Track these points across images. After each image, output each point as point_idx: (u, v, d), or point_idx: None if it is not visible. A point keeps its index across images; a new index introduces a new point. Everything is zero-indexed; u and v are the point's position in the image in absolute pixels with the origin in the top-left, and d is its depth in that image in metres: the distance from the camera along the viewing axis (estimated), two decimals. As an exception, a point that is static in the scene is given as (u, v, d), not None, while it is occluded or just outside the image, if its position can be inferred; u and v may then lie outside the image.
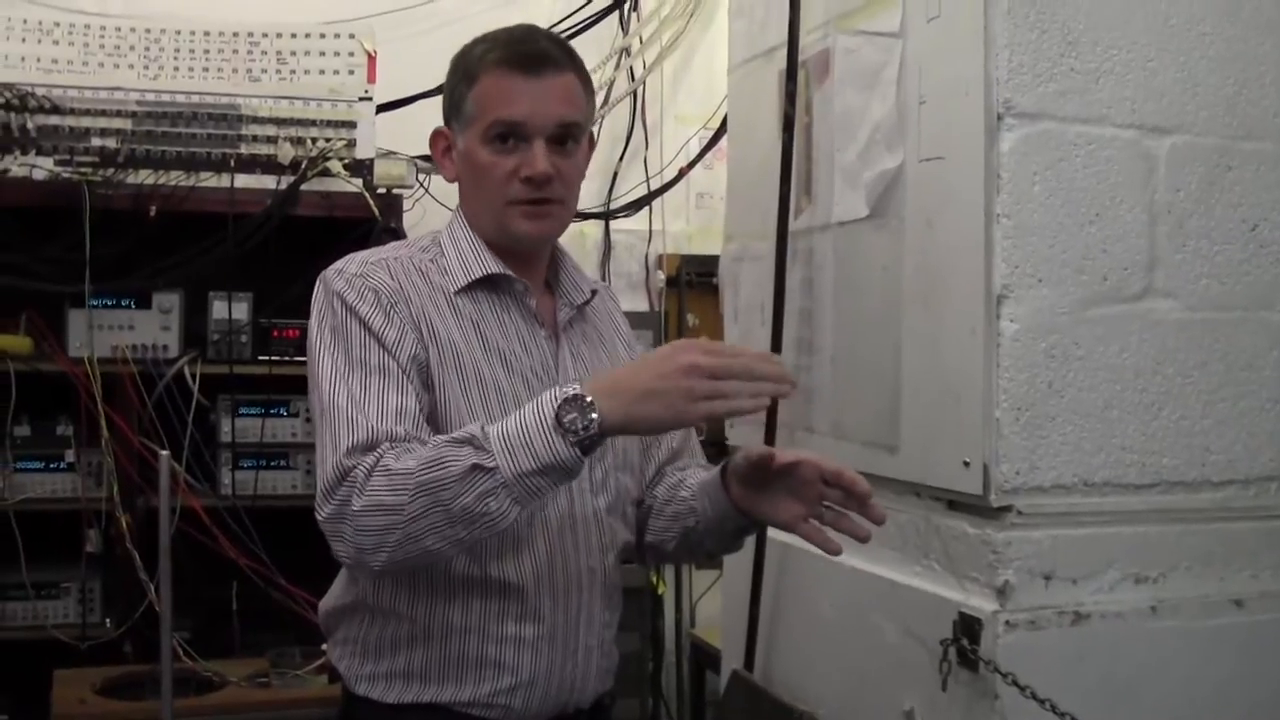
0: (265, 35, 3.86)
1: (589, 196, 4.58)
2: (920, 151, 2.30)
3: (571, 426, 1.69)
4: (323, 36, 3.89)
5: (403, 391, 1.86)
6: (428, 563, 1.85)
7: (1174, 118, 2.22)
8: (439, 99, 2.09)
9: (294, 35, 3.87)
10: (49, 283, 3.62)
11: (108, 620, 3.69)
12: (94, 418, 3.62)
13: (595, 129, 2.21)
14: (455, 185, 2.09)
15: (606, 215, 4.72)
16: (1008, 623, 2.08)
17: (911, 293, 2.31)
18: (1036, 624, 2.10)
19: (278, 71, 3.84)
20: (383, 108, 3.96)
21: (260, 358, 3.84)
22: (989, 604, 2.11)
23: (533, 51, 1.97)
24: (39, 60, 3.71)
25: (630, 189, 4.77)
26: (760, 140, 2.82)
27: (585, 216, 4.58)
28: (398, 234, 3.70)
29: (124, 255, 3.68)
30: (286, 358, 3.79)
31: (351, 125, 3.84)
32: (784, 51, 2.65)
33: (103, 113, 3.69)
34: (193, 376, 3.74)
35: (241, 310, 3.84)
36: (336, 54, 3.89)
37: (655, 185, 4.78)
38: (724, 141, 4.48)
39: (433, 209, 3.94)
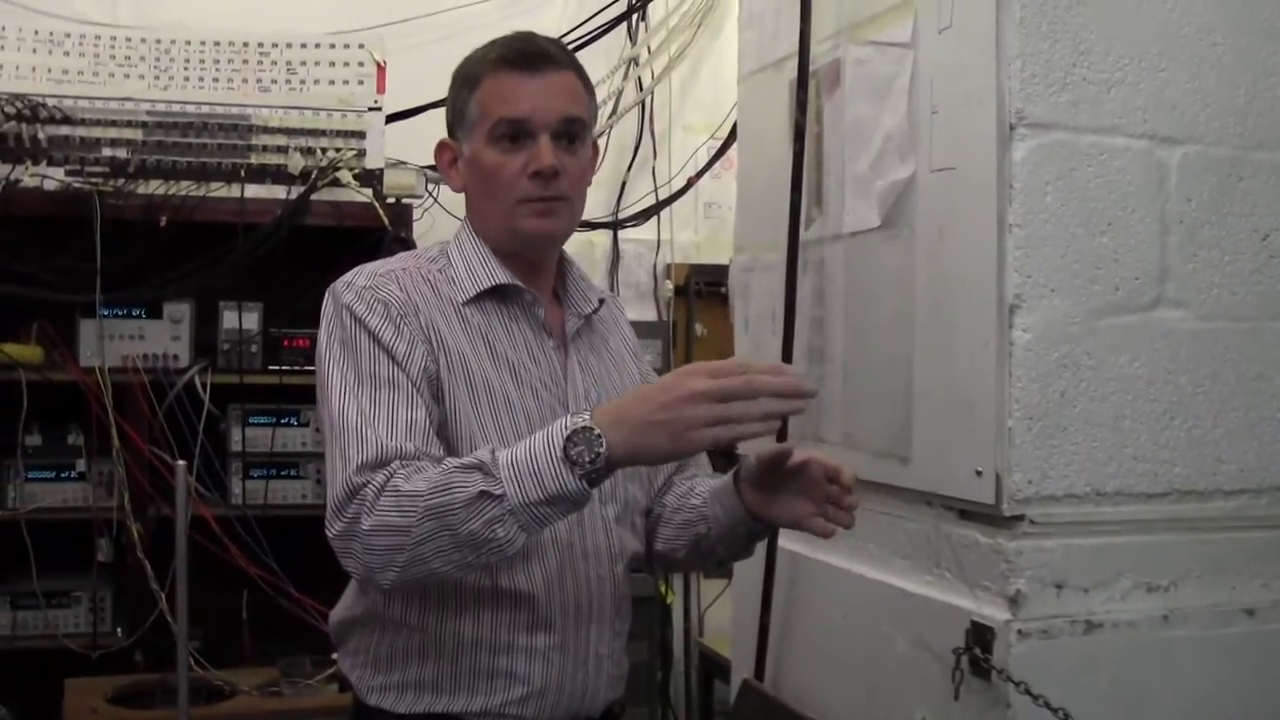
0: (275, 45, 3.87)
1: (597, 206, 4.59)
2: (932, 161, 2.30)
3: (579, 460, 1.69)
4: (332, 47, 3.91)
5: (412, 405, 1.86)
6: (438, 581, 1.85)
7: (1186, 128, 2.22)
8: (445, 108, 2.10)
9: (304, 45, 3.89)
10: (60, 292, 3.64)
11: (118, 629, 3.70)
12: (105, 427, 3.64)
13: (603, 139, 2.22)
14: (463, 196, 2.09)
15: (615, 225, 4.74)
16: (1020, 632, 2.08)
17: (923, 303, 2.31)
18: (1049, 633, 2.10)
19: (287, 82, 3.86)
20: (392, 118, 3.97)
21: (270, 367, 3.86)
22: (1001, 613, 2.11)
23: (531, 49, 1.98)
24: (50, 71, 3.73)
25: (639, 199, 4.78)
26: (770, 150, 2.82)
27: (594, 226, 4.59)
28: (407, 243, 3.71)
29: (135, 265, 3.70)
30: (297, 367, 3.81)
31: (361, 135, 3.86)
32: (794, 62, 2.66)
33: (113, 123, 3.71)
34: (203, 386, 3.76)
35: (252, 320, 3.86)
36: (346, 64, 3.91)
37: (663, 195, 4.79)
38: (732, 151, 4.47)
39: (442, 219, 3.95)
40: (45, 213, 3.61)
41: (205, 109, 3.77)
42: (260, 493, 3.82)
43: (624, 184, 4.75)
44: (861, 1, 2.52)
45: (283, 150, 3.79)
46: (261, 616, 3.73)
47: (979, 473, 2.15)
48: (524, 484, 1.70)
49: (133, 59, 3.78)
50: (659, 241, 4.82)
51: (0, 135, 3.59)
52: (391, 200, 3.85)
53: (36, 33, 3.74)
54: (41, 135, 3.64)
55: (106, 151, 3.69)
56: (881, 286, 2.44)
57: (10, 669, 3.38)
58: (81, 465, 3.72)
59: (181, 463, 2.94)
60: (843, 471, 1.93)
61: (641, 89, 4.76)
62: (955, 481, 2.22)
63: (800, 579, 2.70)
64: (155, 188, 3.69)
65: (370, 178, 3.83)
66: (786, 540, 2.68)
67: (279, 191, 3.78)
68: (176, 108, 3.76)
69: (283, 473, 3.87)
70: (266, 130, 3.80)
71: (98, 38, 3.78)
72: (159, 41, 3.81)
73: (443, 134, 2.09)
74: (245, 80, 3.84)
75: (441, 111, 2.10)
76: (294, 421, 3.88)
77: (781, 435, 2.61)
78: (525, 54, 1.97)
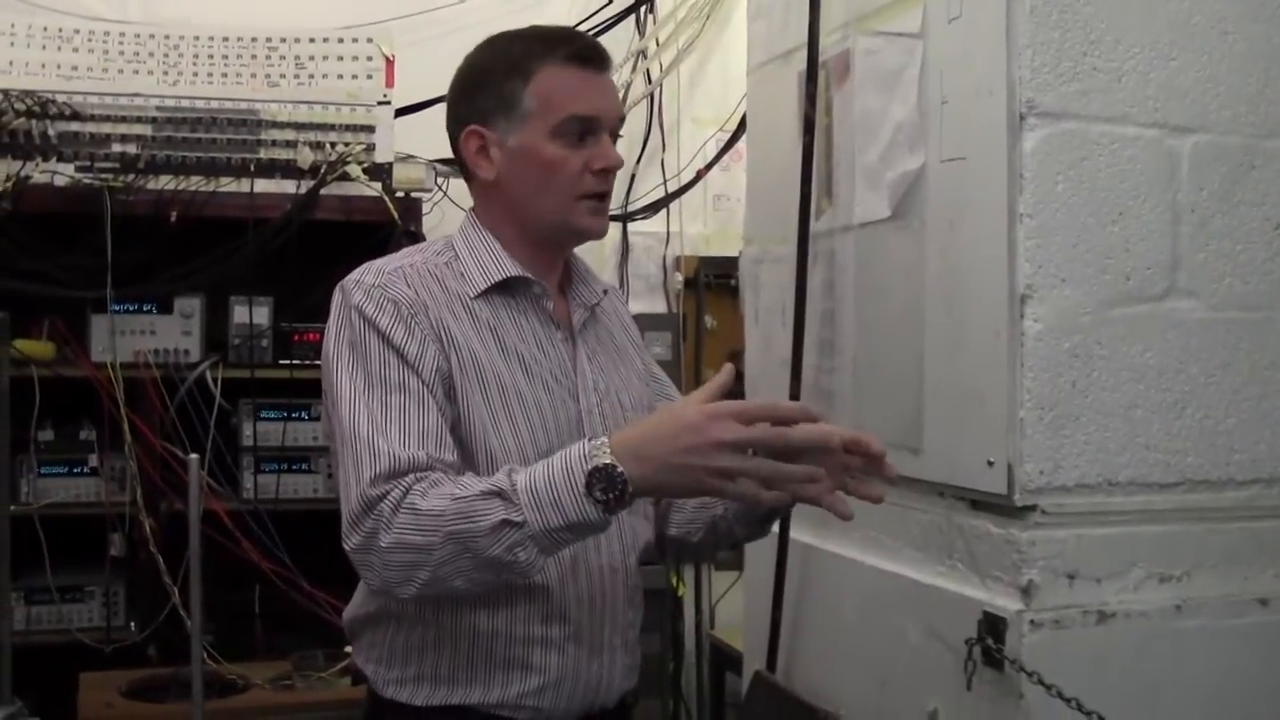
0: (284, 40, 3.88)
1: (606, 199, 4.59)
2: (942, 152, 2.30)
3: (602, 498, 1.70)
4: (341, 41, 3.91)
5: (424, 409, 1.85)
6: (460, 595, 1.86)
7: (1197, 117, 2.22)
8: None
9: (312, 40, 3.89)
10: (71, 288, 3.65)
11: (132, 623, 3.72)
12: (117, 422, 3.65)
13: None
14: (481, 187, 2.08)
15: (625, 217, 4.74)
16: (1033, 622, 2.08)
17: (934, 293, 2.31)
18: (1061, 623, 2.10)
19: (296, 76, 3.86)
20: (401, 111, 3.97)
21: (281, 362, 3.87)
22: (1014, 603, 2.11)
23: (594, 47, 2.01)
24: (59, 67, 3.74)
25: (648, 191, 4.78)
26: (780, 142, 2.82)
27: (602, 219, 4.58)
28: (417, 237, 3.72)
29: (145, 260, 3.71)
30: (307, 361, 3.81)
31: (370, 129, 3.86)
32: (803, 53, 2.66)
33: (123, 119, 3.72)
34: (214, 381, 3.76)
35: (262, 314, 3.86)
36: (355, 58, 3.91)
37: (673, 187, 4.80)
38: (741, 143, 4.50)
39: (451, 212, 3.95)
40: (56, 209, 3.62)
41: (214, 104, 3.78)
42: (272, 487, 3.83)
43: (633, 177, 4.74)
44: (871, -8, 2.52)
45: (292, 145, 3.80)
46: (274, 610, 3.74)
47: (991, 463, 2.15)
48: (544, 511, 1.70)
49: (142, 55, 3.79)
50: (668, 234, 4.82)
51: (11, 132, 3.60)
52: (401, 194, 3.86)
53: (46, 29, 3.75)
54: (52, 131, 3.65)
55: (116, 147, 3.69)
56: (892, 277, 2.44)
57: (25, 663, 3.37)
58: (94, 460, 3.73)
59: (194, 456, 2.95)
60: (870, 442, 1.83)
61: (650, 81, 4.76)
62: (967, 472, 2.22)
63: (812, 570, 2.70)
64: (165, 183, 3.69)
65: (379, 172, 3.83)
66: (798, 532, 2.68)
67: (288, 186, 3.78)
68: (186, 103, 3.77)
69: (294, 467, 3.88)
70: (276, 125, 3.81)
71: (107, 34, 3.79)
72: (168, 37, 3.81)
73: (453, 127, 2.09)
74: (254, 75, 3.85)
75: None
76: (305, 415, 3.89)
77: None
78: (591, 49, 1.99)
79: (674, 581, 4.50)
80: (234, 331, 3.85)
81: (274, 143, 3.80)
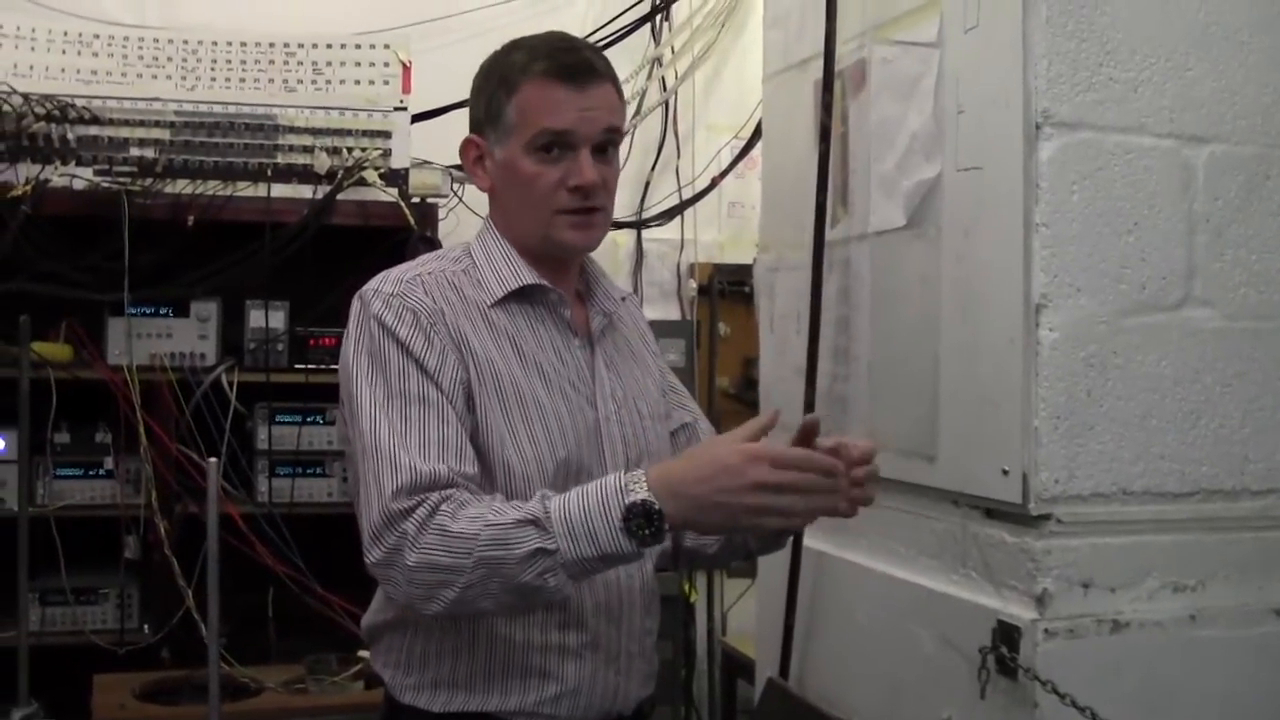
0: (301, 46, 3.90)
1: (621, 206, 4.54)
2: (958, 161, 2.30)
3: (639, 533, 1.71)
4: (358, 47, 3.93)
5: (444, 420, 1.86)
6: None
7: (1212, 127, 2.22)
8: (472, 105, 2.10)
9: (329, 46, 3.91)
10: (88, 291, 3.67)
11: (146, 626, 3.73)
12: (133, 425, 3.66)
13: (627, 139, 2.22)
14: (486, 195, 2.09)
15: (639, 224, 4.75)
16: (1047, 631, 2.08)
17: (949, 302, 2.31)
18: (1075, 632, 2.10)
19: (313, 82, 3.88)
20: (418, 117, 3.99)
21: (297, 366, 3.88)
22: (1028, 612, 2.11)
23: (577, 62, 1.97)
24: (78, 72, 3.76)
25: (662, 198, 4.79)
26: (795, 150, 2.82)
27: (618, 226, 4.59)
28: (433, 243, 3.73)
29: (162, 264, 3.73)
30: (323, 366, 3.82)
31: (387, 135, 3.87)
32: (819, 62, 2.66)
33: (141, 123, 3.74)
34: (230, 384, 3.78)
35: (278, 319, 3.88)
36: (372, 64, 3.93)
37: (687, 194, 4.80)
38: (756, 151, 4.50)
39: (467, 218, 3.96)
40: (74, 212, 3.64)
41: (232, 109, 3.80)
42: (286, 490, 3.84)
43: (648, 184, 4.75)
44: (887, 1, 2.52)
45: (309, 150, 3.82)
46: (287, 614, 3.75)
47: (1005, 472, 2.15)
48: (578, 541, 1.72)
49: (160, 60, 3.81)
50: (683, 241, 4.83)
51: (30, 135, 3.62)
52: (417, 200, 3.87)
53: (65, 34, 3.77)
54: (70, 135, 3.67)
55: (134, 151, 3.71)
56: (907, 286, 2.44)
57: (39, 665, 3.39)
58: (109, 463, 3.74)
59: (213, 460, 2.96)
60: (870, 450, 1.93)
61: (665, 89, 4.77)
62: (982, 481, 2.22)
63: (825, 578, 2.70)
64: (183, 187, 3.71)
65: (396, 177, 3.84)
66: (811, 539, 2.68)
67: (305, 191, 3.80)
68: (204, 108, 3.78)
69: (309, 470, 3.89)
70: (293, 130, 3.82)
71: (125, 39, 3.81)
72: (186, 42, 3.83)
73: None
74: (271, 80, 3.86)
75: (467, 112, 2.10)
76: (320, 420, 3.90)
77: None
78: (570, 66, 1.96)
79: (686, 588, 4.50)
80: (250, 335, 3.87)
81: (291, 148, 3.81)
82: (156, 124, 3.74)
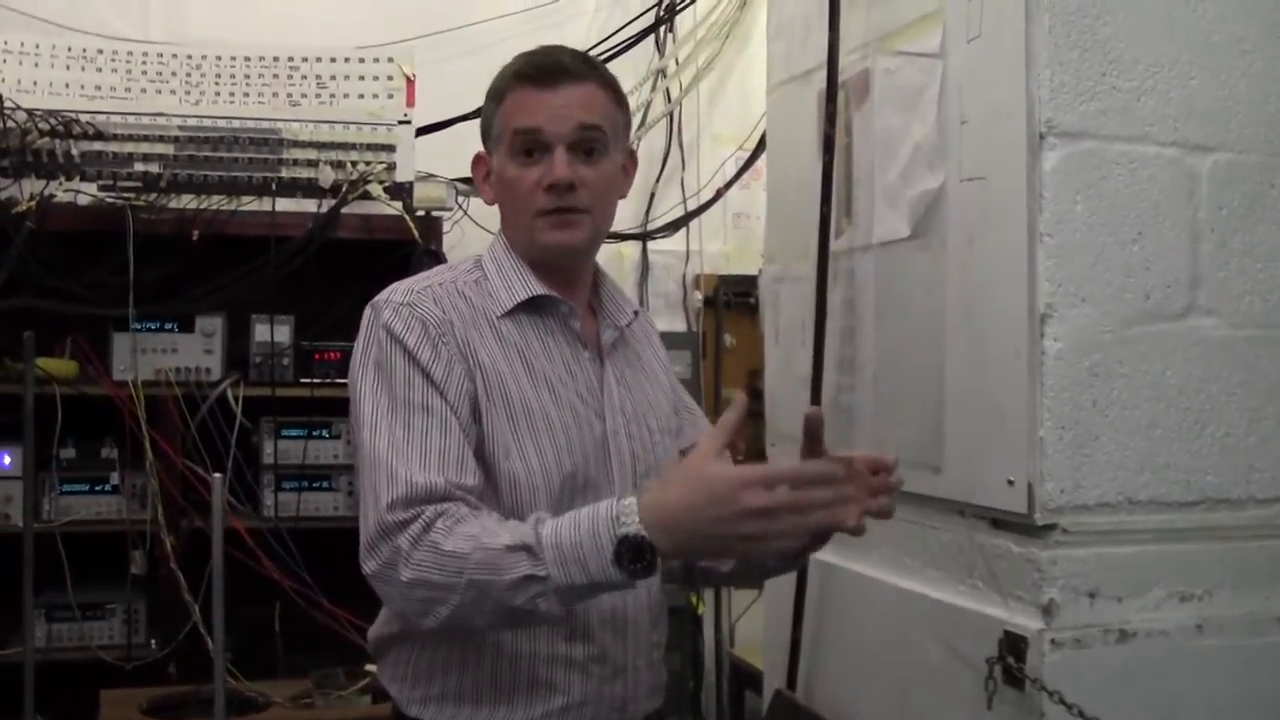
0: (305, 60, 3.90)
1: (626, 218, 4.60)
2: (962, 171, 2.30)
3: (630, 566, 1.70)
4: (362, 61, 3.93)
5: (446, 431, 1.86)
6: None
7: (1216, 135, 2.22)
8: (478, 122, 2.10)
9: (333, 60, 3.91)
10: (93, 307, 3.67)
11: (152, 641, 3.72)
12: (138, 440, 3.66)
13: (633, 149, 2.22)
14: (495, 209, 2.09)
15: (644, 236, 4.74)
16: (1053, 641, 2.08)
17: (954, 312, 2.31)
18: (1082, 642, 2.10)
19: (318, 96, 3.88)
20: (422, 131, 3.98)
21: (302, 380, 3.87)
22: (1034, 622, 2.11)
23: (547, 64, 1.98)
24: (83, 87, 3.76)
25: (667, 210, 4.78)
26: (800, 161, 2.83)
27: (623, 237, 4.60)
28: (438, 256, 3.72)
29: (167, 279, 3.72)
30: (328, 380, 3.82)
31: (391, 148, 3.87)
32: (823, 73, 2.66)
33: (145, 138, 3.74)
34: (235, 399, 3.77)
35: (283, 333, 3.87)
36: (376, 78, 3.93)
37: (692, 206, 4.80)
38: (760, 162, 4.50)
39: (472, 231, 3.96)
40: (78, 227, 3.64)
41: (236, 123, 3.80)
42: (292, 505, 3.83)
43: (652, 195, 4.75)
44: (890, 12, 2.53)
45: (313, 164, 3.81)
46: (294, 628, 3.74)
47: (1011, 482, 2.15)
48: (569, 569, 1.71)
49: (164, 74, 3.81)
50: (688, 252, 4.82)
51: (34, 151, 3.62)
52: (421, 213, 3.86)
53: (70, 50, 3.78)
54: (75, 151, 3.67)
55: (139, 166, 3.71)
56: (912, 296, 2.44)
57: (46, 680, 3.39)
58: (115, 478, 3.74)
59: (218, 475, 2.96)
60: (887, 460, 1.89)
61: (670, 100, 4.77)
62: (987, 491, 2.22)
63: (832, 589, 2.70)
64: (187, 202, 3.71)
65: (400, 191, 3.84)
66: (818, 551, 2.68)
67: (310, 205, 3.80)
68: (208, 122, 3.78)
69: (314, 485, 3.88)
70: (297, 144, 3.82)
71: (130, 54, 3.81)
72: (190, 57, 3.84)
73: (473, 147, 2.10)
74: (276, 95, 3.86)
75: (471, 125, 2.12)
76: (325, 434, 3.89)
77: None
78: (540, 68, 1.98)
79: (693, 600, 4.49)
80: (255, 350, 3.86)
81: (295, 162, 3.81)
82: (161, 139, 3.74)
